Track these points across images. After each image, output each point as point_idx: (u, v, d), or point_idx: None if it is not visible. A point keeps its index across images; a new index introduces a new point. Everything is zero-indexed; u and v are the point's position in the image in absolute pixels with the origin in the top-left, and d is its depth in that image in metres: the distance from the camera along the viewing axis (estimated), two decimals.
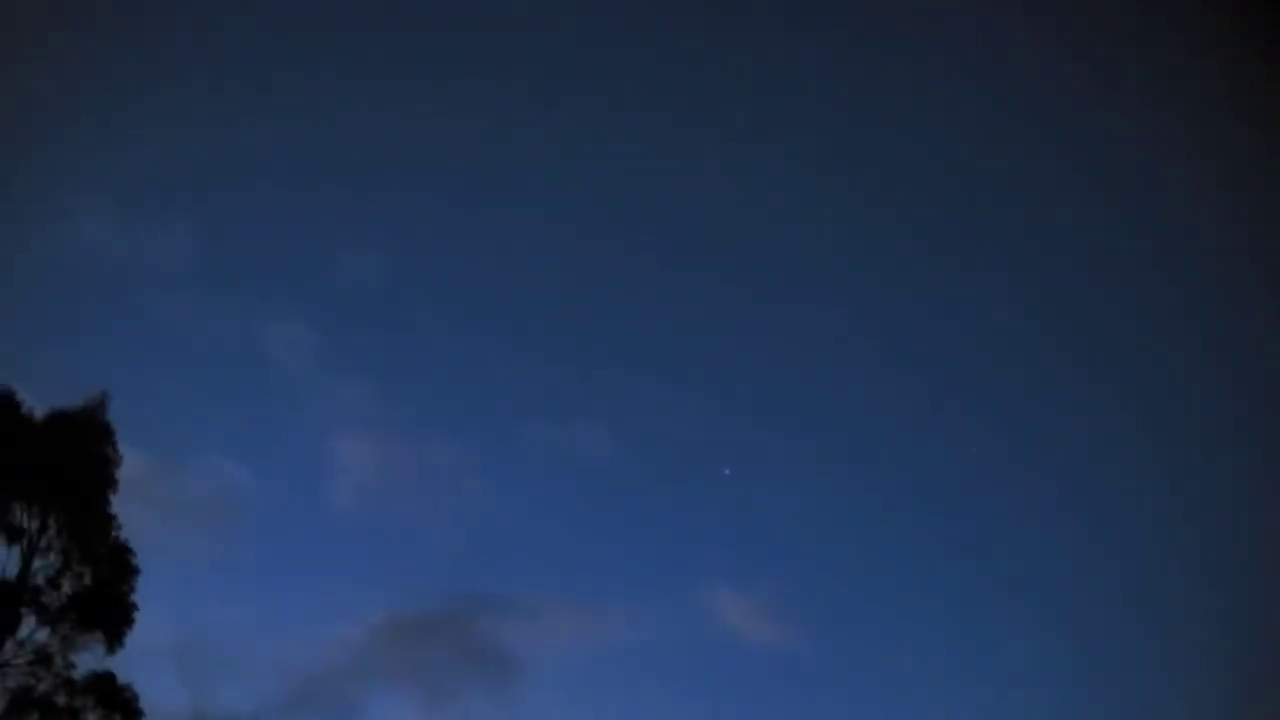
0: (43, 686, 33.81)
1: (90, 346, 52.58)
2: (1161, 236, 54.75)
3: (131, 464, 36.18)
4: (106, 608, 34.33)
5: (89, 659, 34.48)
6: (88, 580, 34.63)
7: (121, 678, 34.60)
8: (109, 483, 35.01)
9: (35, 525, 34.26)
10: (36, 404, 35.12)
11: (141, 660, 35.84)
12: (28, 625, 33.98)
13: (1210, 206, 51.05)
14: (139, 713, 34.48)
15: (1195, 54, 45.60)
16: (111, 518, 34.99)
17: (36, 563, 34.23)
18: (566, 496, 60.46)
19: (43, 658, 34.04)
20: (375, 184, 62.61)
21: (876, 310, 63.30)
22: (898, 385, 62.21)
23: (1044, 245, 60.09)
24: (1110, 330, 58.42)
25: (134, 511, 36.00)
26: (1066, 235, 59.29)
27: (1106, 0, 51.34)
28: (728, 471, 59.21)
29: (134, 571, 34.95)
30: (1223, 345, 52.17)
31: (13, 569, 33.90)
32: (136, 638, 35.16)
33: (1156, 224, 55.03)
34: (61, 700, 33.90)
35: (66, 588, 34.47)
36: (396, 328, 62.49)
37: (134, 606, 34.76)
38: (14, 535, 34.07)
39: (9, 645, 33.69)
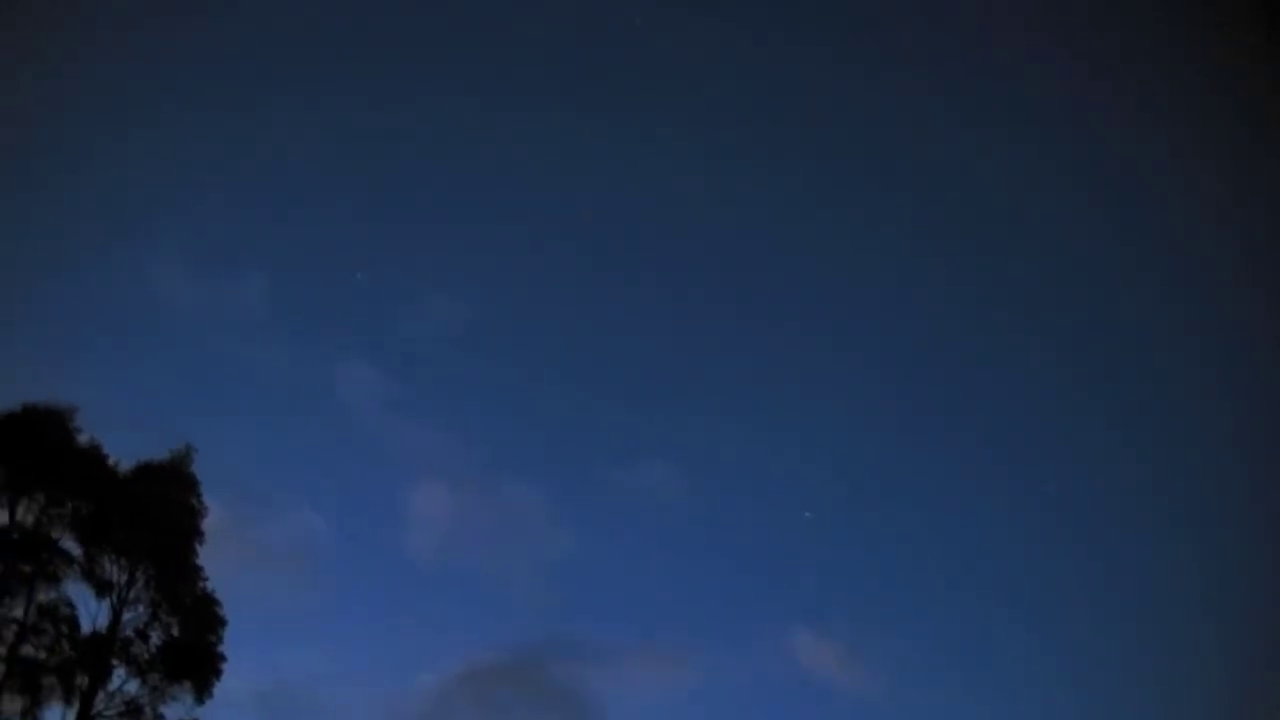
0: None
1: (170, 398, 53.25)
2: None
3: (213, 514, 36.59)
4: (194, 659, 34.57)
5: (178, 709, 34.86)
6: (175, 631, 34.95)
7: None
8: (195, 534, 35.32)
9: (124, 578, 34.71)
10: (121, 456, 35.68)
11: (227, 709, 36.05)
12: (118, 676, 34.51)
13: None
14: None
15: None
16: (198, 569, 35.29)
17: (126, 615, 34.67)
18: (645, 540, 59.65)
19: (133, 709, 34.38)
20: (448, 231, 62.94)
21: (949, 358, 61.97)
22: (975, 434, 60.72)
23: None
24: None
25: (215, 560, 36.42)
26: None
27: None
28: (809, 515, 58.13)
29: (221, 623, 35.17)
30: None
31: (103, 621, 34.48)
32: (221, 686, 35.44)
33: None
34: None
35: (155, 639, 34.89)
36: (470, 374, 62.30)
37: (221, 657, 35.01)
38: (103, 588, 34.54)
39: (100, 696, 34.08)
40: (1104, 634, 51.72)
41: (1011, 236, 59.52)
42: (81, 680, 33.80)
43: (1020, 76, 54.74)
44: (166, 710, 34.66)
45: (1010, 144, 56.45)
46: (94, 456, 34.94)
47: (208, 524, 36.02)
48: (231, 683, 35.88)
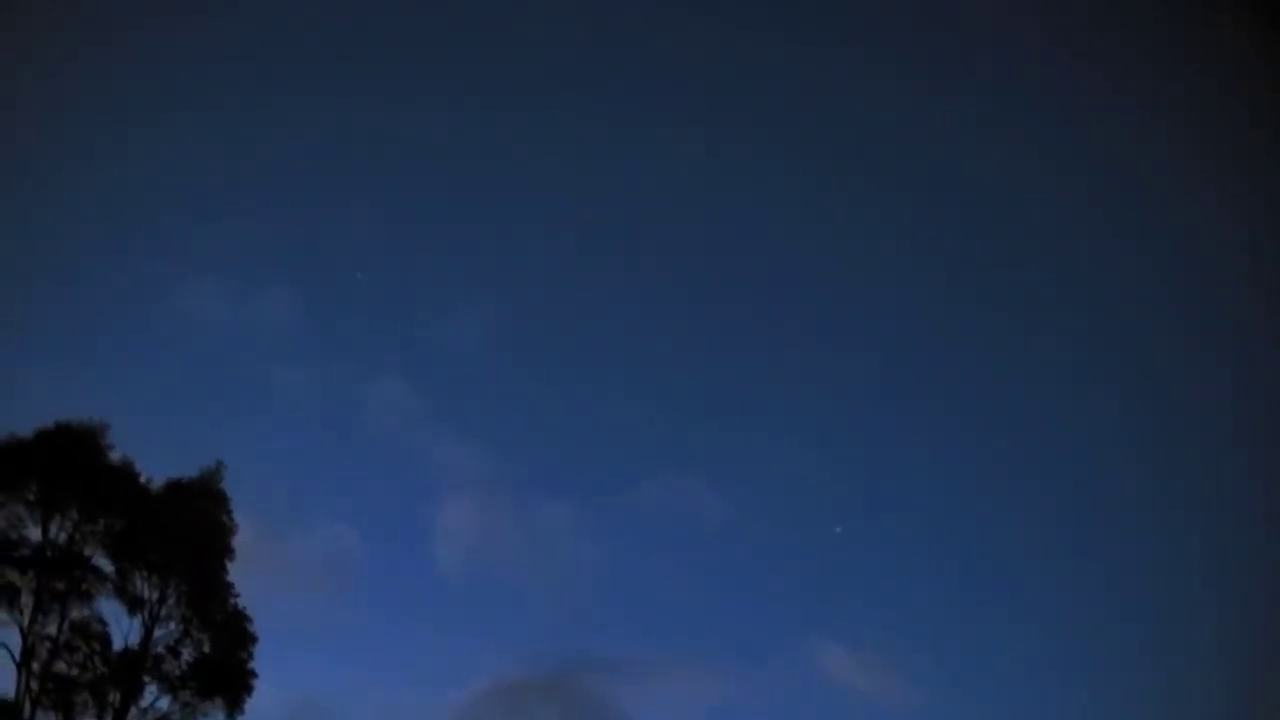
0: None
1: (200, 414, 53.56)
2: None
3: (243, 529, 36.63)
4: (225, 675, 34.70)
5: None
6: (206, 648, 35.08)
7: None
8: (226, 551, 35.45)
9: (155, 595, 34.82)
10: (153, 473, 35.84)
11: None
12: (150, 693, 34.68)
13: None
14: None
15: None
16: (229, 586, 35.41)
17: (157, 631, 34.78)
18: (674, 554, 59.34)
19: None
20: (476, 244, 63.13)
21: (982, 373, 61.36)
22: (1008, 448, 60.12)
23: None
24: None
25: (245, 576, 36.52)
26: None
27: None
28: (839, 529, 57.63)
29: (252, 639, 35.26)
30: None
31: (135, 638, 34.57)
32: (252, 703, 35.46)
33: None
34: None
35: (186, 656, 35.00)
36: (500, 389, 62.34)
37: (252, 674, 35.14)
38: (135, 605, 34.66)
39: (133, 713, 34.20)
40: (1141, 647, 51.12)
41: (1046, 248, 59.09)
42: (114, 697, 33.99)
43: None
44: None
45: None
46: (126, 474, 35.14)
47: (238, 540, 36.18)
48: (262, 698, 36.04)
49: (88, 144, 53.75)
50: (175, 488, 35.52)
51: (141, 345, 55.65)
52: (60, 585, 33.87)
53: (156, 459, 36.22)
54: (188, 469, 36.08)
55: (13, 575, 33.42)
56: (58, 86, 50.88)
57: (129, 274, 56.57)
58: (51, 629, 33.59)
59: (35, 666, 33.05)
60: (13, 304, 48.59)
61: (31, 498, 33.90)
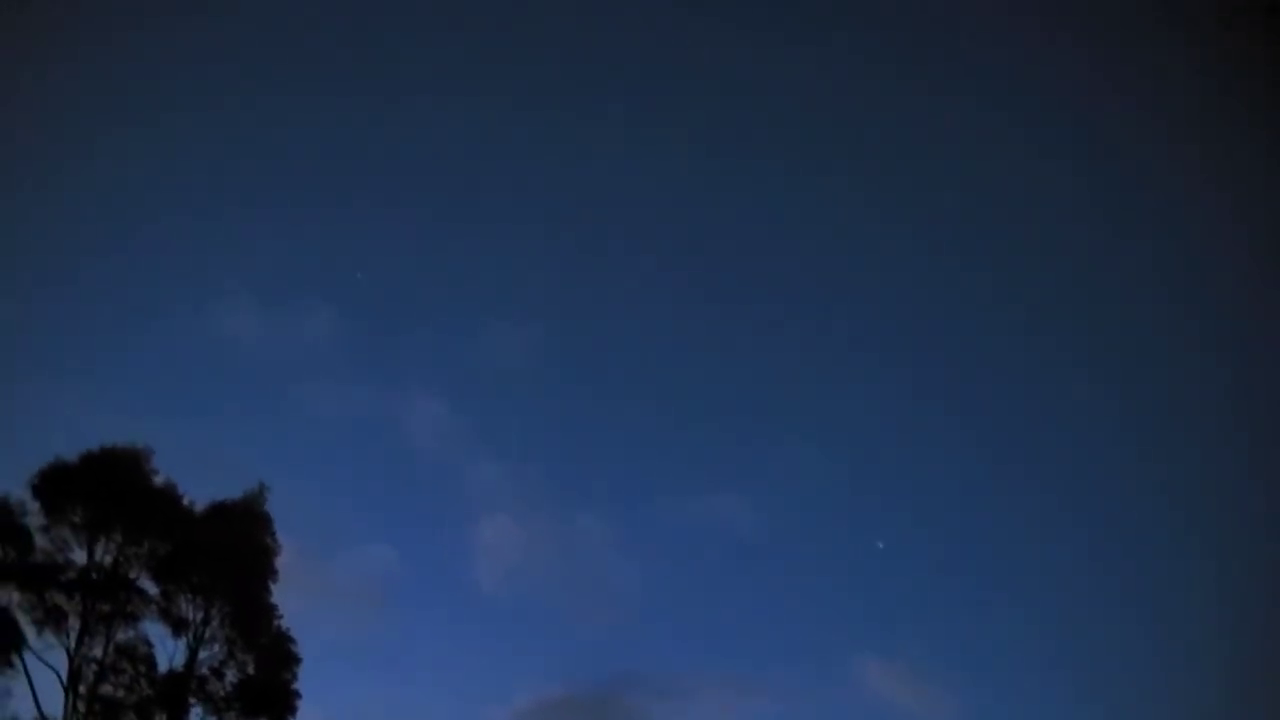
0: None
1: (240, 436, 53.73)
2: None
3: (285, 550, 36.72)
4: (270, 696, 34.82)
5: None
6: (251, 669, 35.24)
7: None
8: (269, 573, 35.65)
9: (200, 616, 35.06)
10: (195, 495, 36.09)
11: None
12: (195, 714, 34.88)
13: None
14: None
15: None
16: (272, 607, 35.56)
17: (202, 653, 34.98)
18: (714, 570, 59.22)
19: None
20: (512, 266, 63.11)
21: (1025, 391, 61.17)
22: (1046, 465, 59.88)
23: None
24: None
25: (287, 595, 36.60)
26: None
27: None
28: (880, 544, 57.40)
29: (296, 660, 35.41)
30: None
31: (180, 659, 34.79)
32: None
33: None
34: None
35: (231, 677, 35.19)
36: (537, 407, 62.16)
37: (296, 694, 35.23)
38: (180, 627, 34.91)
39: None
40: (1186, 672, 50.72)
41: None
42: (160, 718, 34.20)
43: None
44: None
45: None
46: (170, 496, 35.43)
47: (280, 560, 36.36)
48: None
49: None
50: (218, 510, 35.75)
51: (176, 364, 55.88)
52: (106, 608, 34.17)
53: (198, 480, 36.55)
54: (228, 490, 36.37)
55: (59, 598, 33.76)
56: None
57: (160, 288, 56.92)
58: (98, 651, 33.91)
59: (82, 689, 33.31)
60: (45, 324, 48.92)
61: (77, 521, 34.25)
